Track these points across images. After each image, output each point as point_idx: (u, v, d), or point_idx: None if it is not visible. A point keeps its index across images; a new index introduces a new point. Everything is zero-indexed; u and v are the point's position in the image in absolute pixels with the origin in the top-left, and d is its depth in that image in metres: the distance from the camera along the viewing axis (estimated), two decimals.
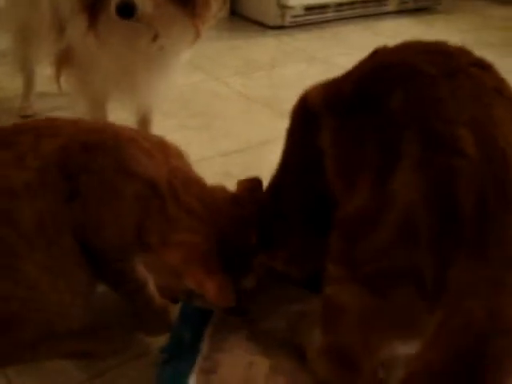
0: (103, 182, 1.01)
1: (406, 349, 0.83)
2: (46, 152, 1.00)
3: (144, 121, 1.74)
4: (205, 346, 1.06)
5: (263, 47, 2.84)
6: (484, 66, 0.89)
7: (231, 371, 0.99)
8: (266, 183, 1.18)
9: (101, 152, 1.02)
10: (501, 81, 0.88)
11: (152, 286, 1.13)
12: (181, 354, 1.04)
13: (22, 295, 0.99)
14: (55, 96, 2.02)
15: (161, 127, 1.75)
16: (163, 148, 1.09)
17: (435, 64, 0.86)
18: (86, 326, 1.08)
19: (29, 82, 1.99)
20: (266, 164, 1.18)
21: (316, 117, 0.99)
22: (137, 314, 1.14)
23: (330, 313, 0.92)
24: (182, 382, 0.98)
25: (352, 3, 3.22)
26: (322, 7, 3.12)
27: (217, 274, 1.02)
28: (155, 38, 1.42)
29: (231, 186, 1.18)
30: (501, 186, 0.74)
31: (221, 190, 1.14)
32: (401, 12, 3.41)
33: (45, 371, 1.07)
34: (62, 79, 1.63)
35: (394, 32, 3.10)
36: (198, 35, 1.45)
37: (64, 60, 1.58)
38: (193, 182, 1.08)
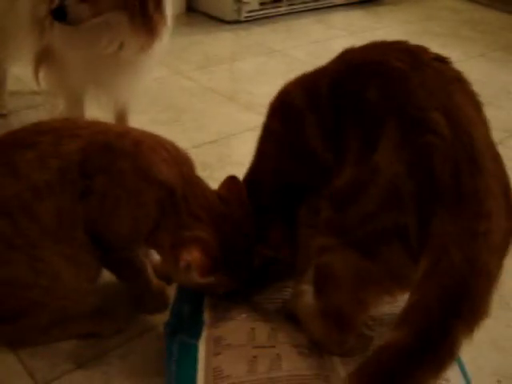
0: (122, 183, 1.07)
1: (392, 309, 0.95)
2: (66, 152, 1.06)
3: (121, 117, 1.80)
4: (207, 317, 1.14)
5: (222, 42, 2.92)
6: (443, 60, 1.03)
7: (236, 337, 1.08)
8: (239, 172, 1.24)
9: (120, 156, 1.08)
10: (457, 71, 1.02)
11: (150, 270, 1.22)
12: (183, 326, 1.14)
13: (45, 284, 1.07)
14: (27, 94, 2.08)
15: (134, 123, 1.80)
16: (176, 155, 1.15)
17: (403, 61, 0.99)
18: (93, 309, 1.17)
19: (1, 81, 2.02)
20: (238, 154, 1.24)
21: (301, 114, 1.10)
22: (137, 295, 1.24)
23: (322, 280, 1.03)
24: (190, 353, 1.06)
25: None
26: (276, 1, 3.23)
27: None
28: (112, 40, 1.50)
29: (210, 175, 1.24)
30: (470, 157, 0.89)
31: (213, 192, 1.19)
32: (350, 4, 3.54)
33: (56, 351, 1.14)
34: (41, 77, 1.69)
35: (345, 24, 3.22)
36: (151, 39, 1.52)
37: (43, 58, 1.64)
38: (199, 190, 1.14)
